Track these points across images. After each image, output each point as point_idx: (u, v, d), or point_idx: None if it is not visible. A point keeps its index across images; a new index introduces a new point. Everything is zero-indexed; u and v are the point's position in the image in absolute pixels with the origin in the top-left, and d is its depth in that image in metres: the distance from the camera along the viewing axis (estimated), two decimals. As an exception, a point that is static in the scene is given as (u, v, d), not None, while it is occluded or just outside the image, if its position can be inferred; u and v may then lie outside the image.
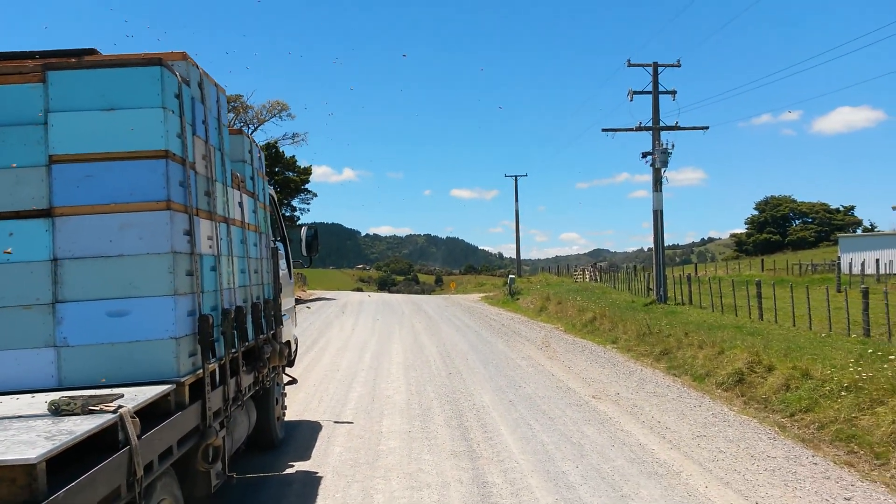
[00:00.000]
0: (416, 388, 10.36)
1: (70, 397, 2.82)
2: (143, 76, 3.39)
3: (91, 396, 2.85)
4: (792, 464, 6.51)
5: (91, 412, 2.74)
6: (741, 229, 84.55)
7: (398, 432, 7.66)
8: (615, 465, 6.37)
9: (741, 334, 13.92)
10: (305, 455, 6.88)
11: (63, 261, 3.42)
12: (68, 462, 2.42)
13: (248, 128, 40.15)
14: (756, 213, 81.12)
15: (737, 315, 18.54)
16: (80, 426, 2.52)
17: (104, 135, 3.40)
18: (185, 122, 3.66)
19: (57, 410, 2.73)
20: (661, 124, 23.90)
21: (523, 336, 18.02)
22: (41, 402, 2.98)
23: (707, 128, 24.26)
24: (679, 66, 23.64)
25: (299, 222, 40.58)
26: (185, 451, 3.52)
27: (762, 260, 47.79)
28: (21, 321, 3.38)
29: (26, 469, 2.11)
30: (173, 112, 3.51)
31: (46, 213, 3.41)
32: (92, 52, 3.81)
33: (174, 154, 3.52)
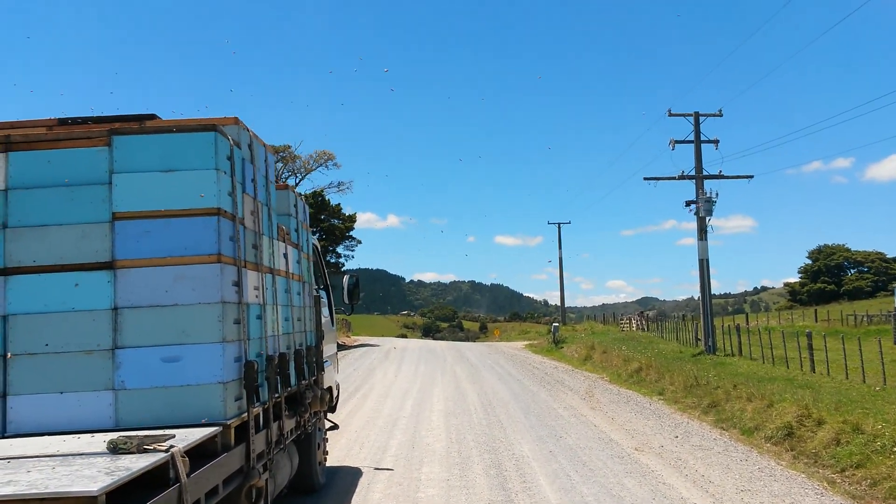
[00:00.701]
0: (457, 437, 10.39)
1: (126, 437, 3.04)
2: (199, 141, 3.72)
3: (146, 436, 3.08)
4: (840, 521, 6.34)
5: (145, 451, 2.95)
6: (794, 278, 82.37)
7: (437, 480, 7.72)
8: (655, 518, 6.30)
9: (791, 387, 13.58)
10: (345, 500, 6.99)
11: (123, 309, 3.71)
12: (126, 497, 2.63)
13: (296, 177, 41.37)
14: (809, 261, 79.06)
15: (788, 367, 18.06)
16: (136, 463, 2.74)
17: (162, 194, 3.72)
18: (236, 182, 3.96)
19: (115, 449, 2.96)
20: (705, 173, 23.82)
21: (566, 385, 17.86)
22: (100, 441, 3.21)
23: (752, 176, 24.11)
24: (721, 115, 23.66)
25: (344, 269, 41.28)
26: (230, 490, 3.71)
27: (815, 310, 46.37)
28: (83, 365, 3.66)
29: (89, 501, 2.32)
30: (225, 173, 3.82)
31: (109, 266, 3.72)
32: (152, 117, 4.18)
33: (225, 211, 3.82)
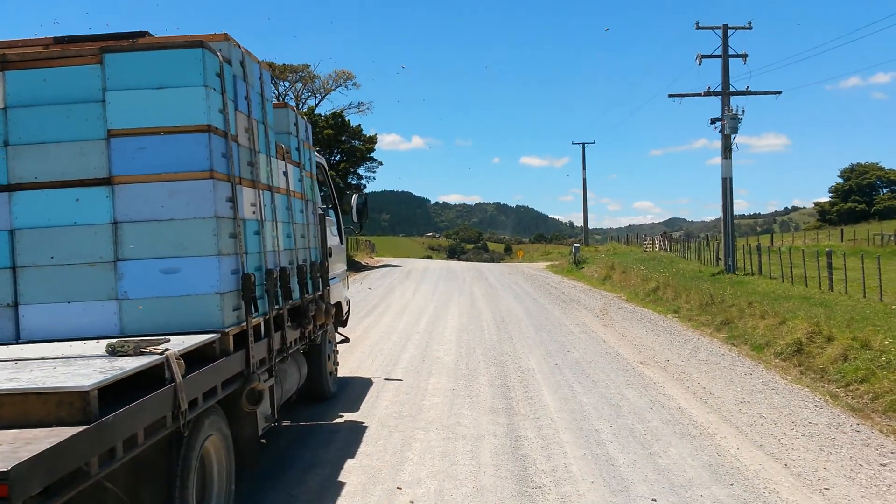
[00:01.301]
0: (466, 351, 10.72)
1: (124, 341, 3.26)
2: (187, 57, 3.76)
3: (142, 340, 3.29)
4: (833, 431, 6.51)
5: (142, 354, 3.16)
6: (826, 198, 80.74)
7: (443, 389, 8.04)
8: (649, 426, 6.54)
9: (806, 305, 13.62)
10: (354, 407, 7.36)
11: (122, 223, 3.87)
12: (122, 395, 2.85)
13: (315, 97, 41.00)
14: (841, 181, 77.22)
15: (807, 286, 18.03)
16: (130, 364, 2.95)
17: (155, 111, 3.80)
18: (227, 99, 4.02)
19: (113, 351, 3.17)
20: (732, 89, 23.13)
21: (582, 304, 18.09)
22: (103, 345, 3.44)
23: (780, 92, 23.33)
24: (750, 27, 22.77)
25: (366, 190, 41.43)
26: (230, 392, 3.95)
27: (842, 230, 45.69)
28: (87, 277, 3.86)
29: (81, 395, 2.53)
30: (215, 90, 3.88)
31: (107, 182, 3.86)
32: (144, 34, 4.22)
33: (216, 128, 3.90)
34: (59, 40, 4.40)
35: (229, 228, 4.03)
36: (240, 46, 4.36)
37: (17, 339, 3.89)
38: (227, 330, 3.89)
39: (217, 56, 3.96)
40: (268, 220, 4.75)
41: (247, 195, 4.35)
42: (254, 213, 4.47)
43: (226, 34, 4.16)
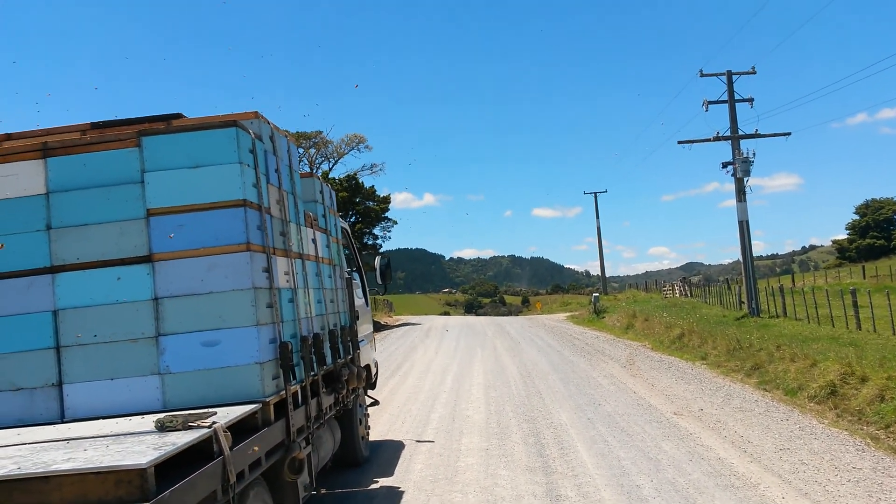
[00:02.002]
0: (496, 408, 10.61)
1: (173, 416, 3.29)
2: (221, 137, 3.91)
3: (190, 414, 3.32)
4: (879, 475, 6.35)
5: (190, 428, 3.19)
6: (842, 235, 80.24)
7: (476, 450, 7.94)
8: (691, 479, 6.41)
9: (836, 346, 13.42)
10: (388, 471, 7.27)
11: (162, 299, 3.96)
12: (174, 469, 2.87)
13: (329, 162, 41.80)
14: (857, 217, 76.85)
15: (833, 326, 17.77)
16: (182, 439, 2.98)
17: (191, 189, 3.94)
18: (260, 173, 4.16)
19: (162, 427, 3.20)
20: (740, 132, 23.35)
21: (607, 354, 17.92)
22: (149, 421, 3.47)
23: (789, 133, 23.52)
24: (754, 72, 23.12)
25: (381, 250, 41.72)
26: (273, 463, 3.96)
27: (863, 267, 45.19)
28: (130, 353, 3.93)
29: (139, 472, 2.55)
30: (248, 165, 4.02)
31: (147, 259, 3.97)
32: (178, 116, 4.39)
33: (251, 202, 4.02)
34: (96, 125, 4.59)
35: (266, 298, 4.10)
36: (269, 123, 4.52)
37: (62, 419, 3.94)
38: (267, 399, 3.93)
39: (249, 133, 4.12)
40: (300, 287, 4.83)
41: (280, 264, 4.44)
42: (287, 281, 4.55)
43: (256, 112, 4.33)
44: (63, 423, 3.90)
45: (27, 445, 3.27)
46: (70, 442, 3.20)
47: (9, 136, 4.57)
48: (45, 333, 3.99)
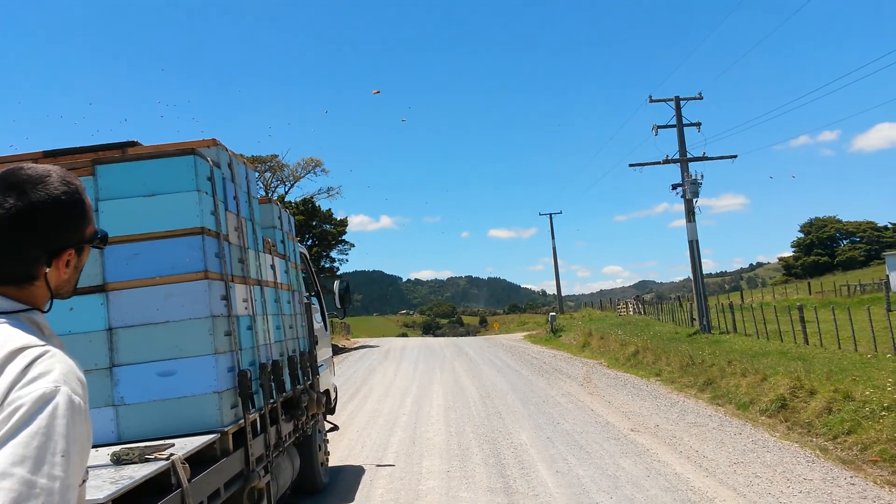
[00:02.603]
0: (456, 430, 10.60)
1: (129, 448, 3.22)
2: (179, 165, 3.88)
3: (146, 447, 3.26)
4: (829, 485, 6.55)
5: (147, 460, 3.13)
6: (788, 252, 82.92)
7: (437, 472, 7.92)
8: (649, 495, 6.51)
9: (785, 360, 13.83)
10: (349, 497, 7.19)
11: (117, 329, 3.88)
12: (130, 504, 2.81)
13: (285, 185, 41.47)
14: (802, 235, 79.60)
15: (782, 341, 18.32)
16: (139, 472, 2.92)
17: (147, 217, 3.89)
18: (218, 200, 4.13)
19: (118, 460, 3.13)
20: (689, 155, 24.04)
21: (564, 373, 18.09)
22: (104, 454, 3.39)
23: (735, 156, 24.35)
24: (701, 98, 23.91)
25: (339, 272, 41.44)
26: (232, 493, 3.89)
27: (808, 283, 46.76)
28: (83, 385, 3.83)
29: (95, 509, 2.50)
30: (206, 193, 3.99)
31: (101, 289, 3.89)
32: (133, 144, 4.34)
33: (209, 230, 3.99)
34: (49, 153, 4.50)
35: (224, 326, 4.06)
36: (227, 150, 4.51)
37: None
38: (226, 429, 3.87)
39: (207, 161, 4.10)
40: (259, 314, 4.79)
41: (239, 291, 4.41)
42: (246, 308, 4.52)
43: (214, 140, 4.31)
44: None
45: None
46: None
47: (-45, 164, 4.45)
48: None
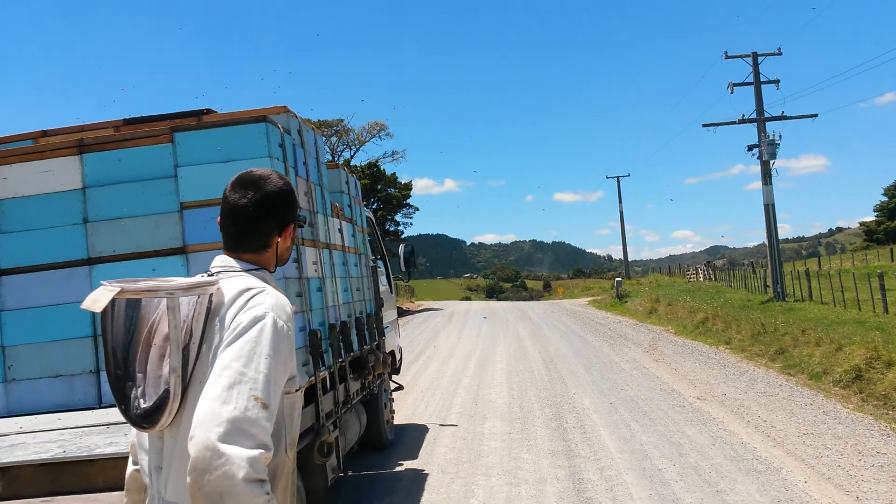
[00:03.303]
0: (518, 393, 10.71)
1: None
2: (251, 132, 4.01)
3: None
4: (904, 460, 6.35)
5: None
6: (870, 217, 78.90)
7: (499, 434, 8.06)
8: (713, 463, 6.46)
9: (862, 329, 13.31)
10: (413, 455, 7.42)
11: (197, 289, 4.09)
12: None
13: (350, 150, 41.94)
14: (885, 199, 75.47)
15: (860, 310, 17.60)
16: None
17: (223, 182, 4.02)
18: (289, 166, 4.25)
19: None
20: (766, 115, 23.04)
21: (629, 339, 17.92)
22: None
23: (816, 115, 23.15)
24: (780, 53, 22.74)
25: (403, 236, 41.90)
26: (303, 445, 4.09)
27: (891, 249, 44.43)
28: (166, 341, 4.07)
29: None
30: (278, 159, 4.11)
31: (181, 251, 4.10)
32: (208, 112, 4.50)
33: (280, 194, 4.12)
34: (128, 122, 4.72)
35: (296, 288, 4.22)
36: (297, 117, 4.62)
37: (99, 405, 4.10)
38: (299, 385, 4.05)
39: (278, 128, 4.21)
40: (328, 276, 4.94)
41: (309, 255, 4.55)
42: (315, 271, 4.67)
43: (285, 107, 4.42)
44: (101, 408, 4.06)
45: (70, 430, 3.42)
46: (110, 427, 3.34)
47: (45, 133, 4.72)
48: (84, 323, 4.15)
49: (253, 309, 1.69)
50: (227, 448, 1.47)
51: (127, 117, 4.69)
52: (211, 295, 1.72)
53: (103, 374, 4.12)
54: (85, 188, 4.19)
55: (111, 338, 1.72)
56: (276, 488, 1.76)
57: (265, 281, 1.85)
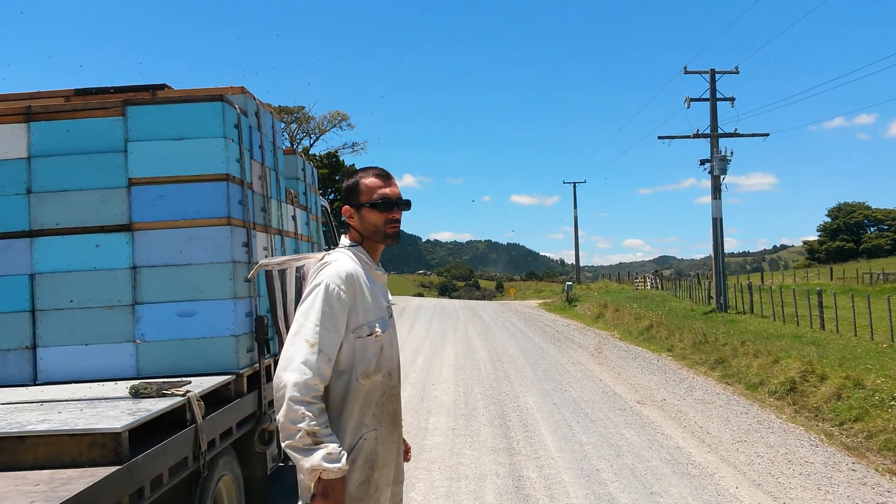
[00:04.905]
0: (464, 390, 10.78)
1: (147, 383, 3.35)
2: (207, 110, 3.93)
3: (164, 382, 3.39)
4: (830, 469, 6.61)
5: (164, 395, 3.26)
6: (814, 236, 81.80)
7: (443, 429, 8.10)
8: (649, 466, 6.62)
9: (799, 344, 13.79)
10: (355, 448, 7.38)
11: (141, 268, 3.99)
12: (147, 435, 2.94)
13: (310, 138, 41.51)
14: (829, 219, 78.34)
15: (798, 325, 18.23)
16: (156, 406, 3.04)
17: (174, 160, 3.96)
18: (244, 149, 4.19)
19: (136, 393, 3.27)
20: (720, 131, 23.64)
21: (576, 342, 18.19)
22: (123, 387, 3.53)
23: (767, 134, 23.89)
24: (737, 72, 23.37)
25: (360, 229, 41.57)
26: (244, 433, 4.04)
27: (831, 268, 46.16)
28: (106, 320, 3.96)
29: (114, 436, 2.62)
30: (233, 140, 4.05)
31: (127, 228, 3.99)
32: (163, 87, 4.40)
33: (234, 177, 4.06)
34: (80, 92, 4.58)
35: (244, 272, 4.16)
36: (255, 98, 4.55)
37: (34, 381, 3.98)
38: (241, 371, 4.00)
39: (235, 108, 4.14)
40: (278, 263, 4.88)
41: (260, 239, 4.49)
42: (266, 256, 4.61)
43: (243, 88, 4.35)
44: (36, 385, 3.94)
45: (0, 406, 3.31)
46: (44, 404, 3.25)
47: (-10, 98, 4.54)
48: (21, 297, 4.01)
49: (315, 278, 2.39)
50: (284, 375, 2.24)
51: (78, 88, 4.55)
52: (300, 267, 2.78)
53: (40, 350, 4.00)
54: (30, 157, 4.04)
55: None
56: (351, 407, 2.40)
57: (353, 256, 2.49)
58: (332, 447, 2.24)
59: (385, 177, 2.56)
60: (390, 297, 2.75)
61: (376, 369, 2.45)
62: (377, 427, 2.46)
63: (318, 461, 2.20)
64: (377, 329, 2.44)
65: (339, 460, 2.24)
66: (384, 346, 2.49)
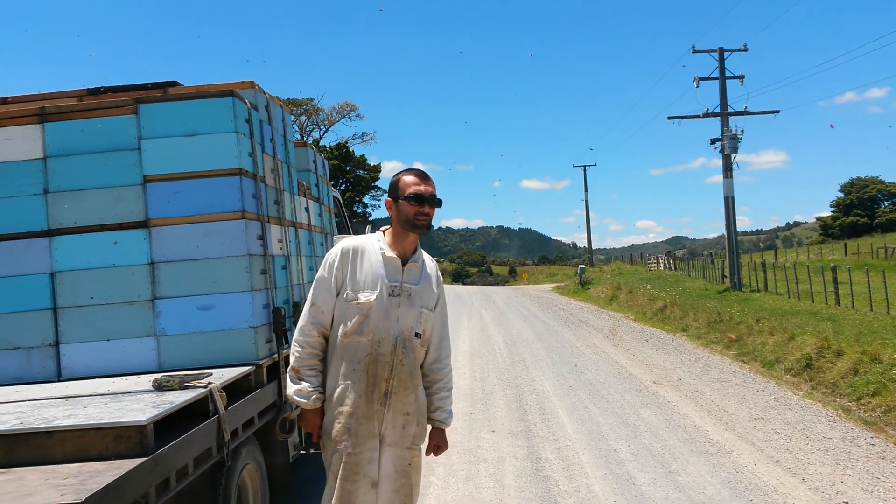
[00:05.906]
0: (481, 375, 10.84)
1: (169, 376, 3.42)
2: (218, 106, 3.97)
3: (186, 375, 3.45)
4: (848, 444, 6.61)
5: (186, 388, 3.32)
6: (827, 212, 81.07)
7: (461, 414, 8.16)
8: (667, 445, 6.65)
9: (814, 320, 13.73)
10: (374, 435, 7.46)
11: (159, 263, 4.05)
12: (171, 427, 3.01)
13: (320, 129, 41.53)
14: (842, 195, 77.56)
15: (813, 301, 18.14)
16: (179, 398, 3.11)
17: (187, 157, 4.01)
18: (255, 143, 4.23)
19: (159, 386, 3.33)
20: (730, 109, 23.44)
21: (590, 325, 18.20)
22: (146, 381, 3.60)
23: (777, 111, 23.66)
24: (746, 49, 23.13)
25: (371, 218, 41.69)
26: (265, 422, 4.10)
27: (845, 244, 45.76)
28: (126, 315, 4.03)
29: (139, 429, 2.68)
30: (244, 135, 4.09)
31: (144, 224, 4.05)
32: (174, 84, 4.44)
33: (246, 171, 4.10)
34: (92, 91, 4.63)
35: (260, 265, 4.21)
36: (265, 92, 4.58)
37: (58, 378, 4.06)
38: (260, 362, 4.06)
39: (245, 103, 4.18)
40: (293, 254, 4.94)
41: (274, 232, 4.54)
42: (280, 248, 4.66)
43: (252, 82, 4.38)
44: (60, 381, 4.02)
45: (27, 402, 3.38)
46: (69, 399, 3.32)
47: (5, 101, 4.60)
48: (43, 295, 4.08)
49: (336, 246, 3.05)
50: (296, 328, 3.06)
51: (91, 87, 4.60)
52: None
53: (63, 347, 4.07)
54: (46, 158, 4.10)
55: None
56: (334, 358, 3.00)
57: (369, 238, 3.05)
58: (305, 385, 2.97)
59: (422, 177, 3.01)
60: (413, 281, 3.04)
61: (357, 331, 2.94)
62: (355, 382, 2.96)
63: (291, 392, 3.01)
64: (359, 297, 2.93)
65: (306, 397, 2.97)
66: (372, 315, 2.94)
